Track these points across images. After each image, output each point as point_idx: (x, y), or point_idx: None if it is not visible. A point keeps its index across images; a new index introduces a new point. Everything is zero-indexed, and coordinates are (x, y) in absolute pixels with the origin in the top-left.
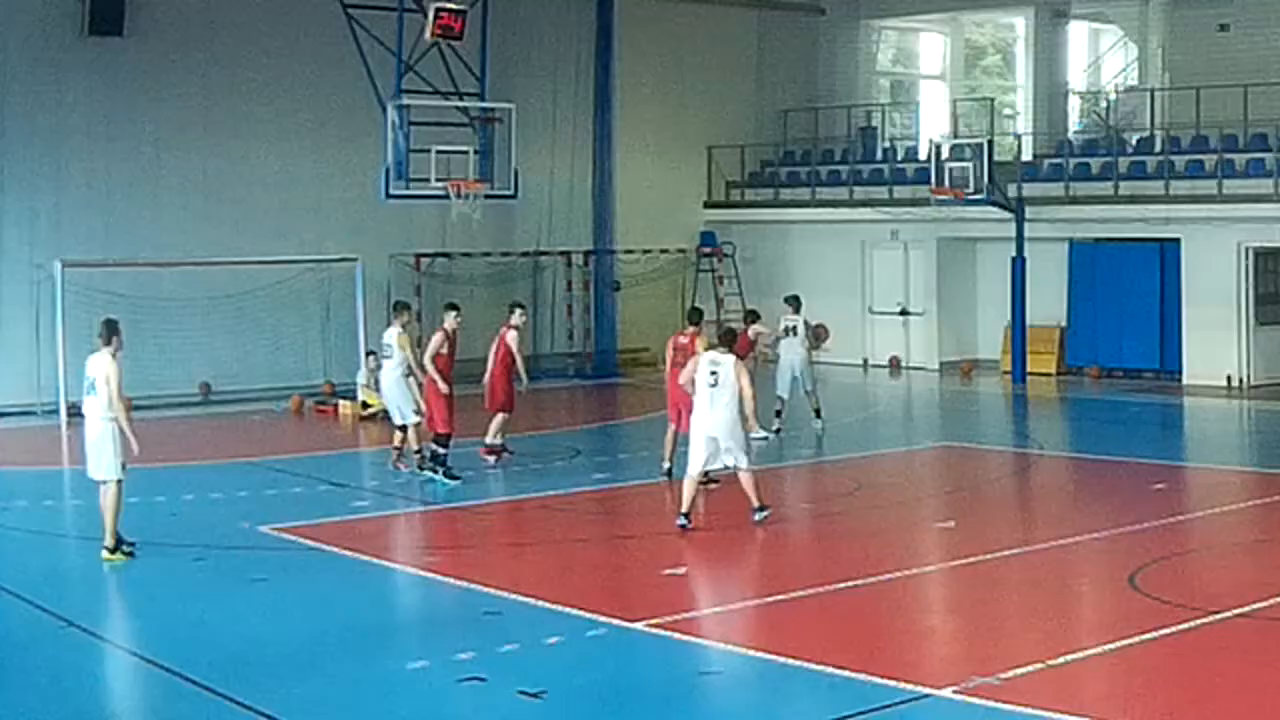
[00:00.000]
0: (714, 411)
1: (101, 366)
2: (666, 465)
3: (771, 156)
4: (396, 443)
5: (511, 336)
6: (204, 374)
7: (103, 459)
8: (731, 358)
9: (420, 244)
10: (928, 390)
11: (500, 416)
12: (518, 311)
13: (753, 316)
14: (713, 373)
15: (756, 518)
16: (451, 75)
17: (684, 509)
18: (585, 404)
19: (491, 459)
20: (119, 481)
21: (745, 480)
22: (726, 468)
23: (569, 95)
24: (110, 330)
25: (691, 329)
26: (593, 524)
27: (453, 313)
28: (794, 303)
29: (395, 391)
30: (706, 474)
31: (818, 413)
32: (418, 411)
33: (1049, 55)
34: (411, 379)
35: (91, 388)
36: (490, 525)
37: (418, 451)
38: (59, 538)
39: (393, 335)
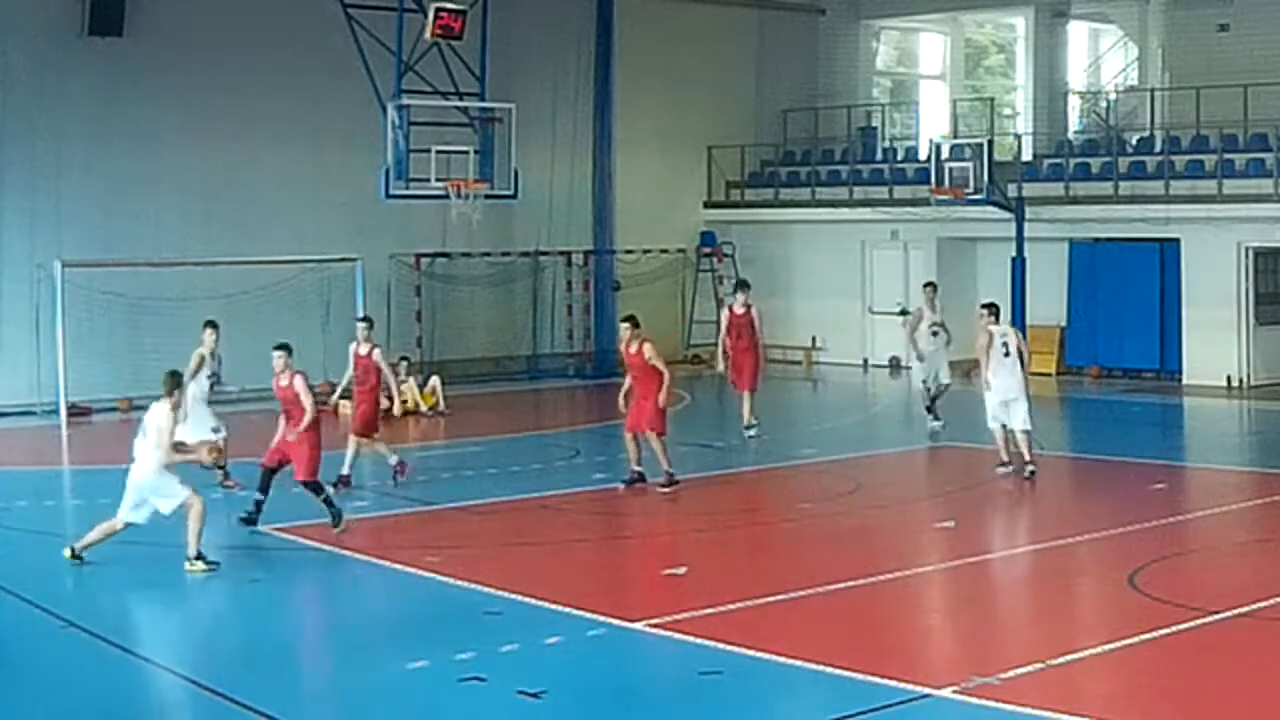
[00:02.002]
0: (1011, 377)
1: (156, 417)
2: (639, 469)
3: (771, 156)
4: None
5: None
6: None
7: (169, 494)
8: (1011, 329)
9: (420, 244)
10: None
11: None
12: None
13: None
14: (1005, 344)
15: (1027, 472)
16: (451, 75)
17: (1004, 458)
18: (585, 404)
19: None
20: (195, 492)
21: (1023, 440)
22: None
23: (569, 95)
24: (173, 383)
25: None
26: (593, 524)
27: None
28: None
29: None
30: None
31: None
32: (215, 430)
33: (1049, 55)
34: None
35: (143, 432)
36: (490, 525)
37: (221, 468)
38: (59, 538)
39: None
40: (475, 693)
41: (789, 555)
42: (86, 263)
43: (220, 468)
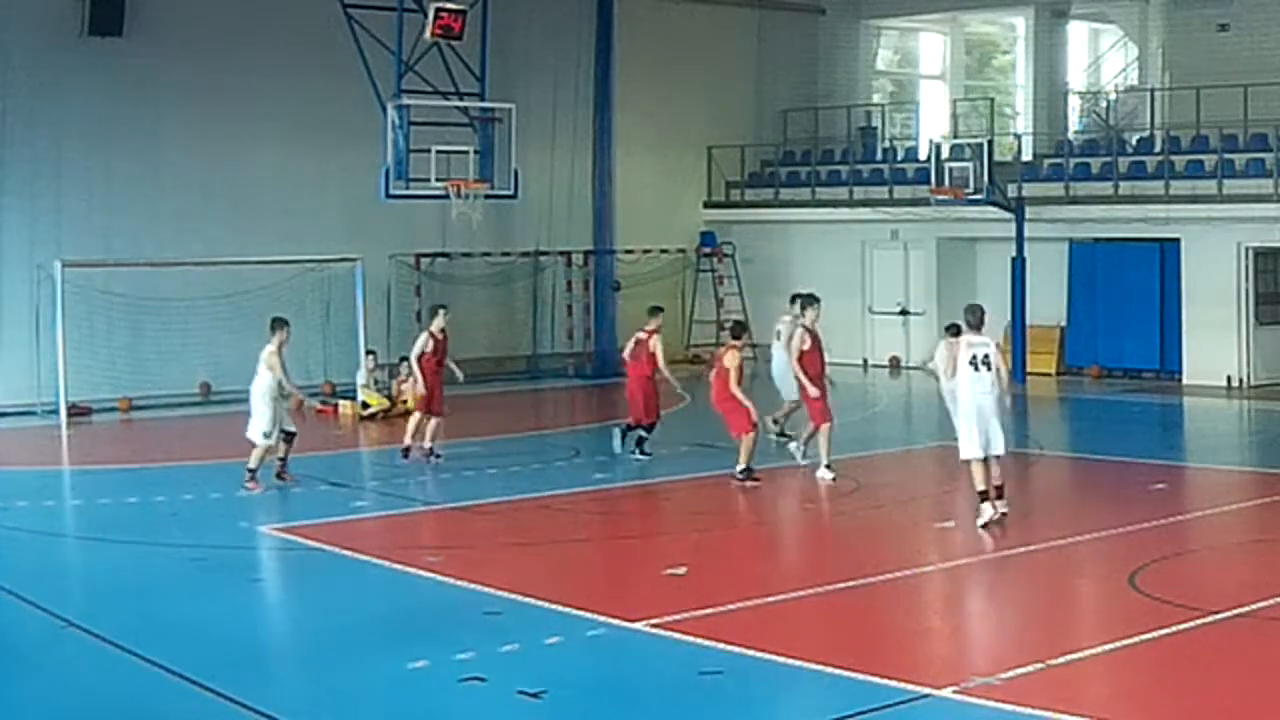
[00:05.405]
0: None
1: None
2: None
3: (771, 156)
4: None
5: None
6: (204, 374)
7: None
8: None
9: (420, 244)
10: (927, 390)
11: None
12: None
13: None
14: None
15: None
16: (451, 75)
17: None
18: (585, 404)
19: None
20: None
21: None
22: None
23: (569, 95)
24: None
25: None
26: (593, 524)
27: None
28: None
29: (257, 408)
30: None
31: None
32: (267, 435)
33: (1049, 55)
34: (278, 400)
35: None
36: (490, 525)
37: (282, 460)
38: (59, 538)
39: (263, 353)
40: (475, 693)
41: (789, 555)
42: (86, 263)
43: (281, 460)
